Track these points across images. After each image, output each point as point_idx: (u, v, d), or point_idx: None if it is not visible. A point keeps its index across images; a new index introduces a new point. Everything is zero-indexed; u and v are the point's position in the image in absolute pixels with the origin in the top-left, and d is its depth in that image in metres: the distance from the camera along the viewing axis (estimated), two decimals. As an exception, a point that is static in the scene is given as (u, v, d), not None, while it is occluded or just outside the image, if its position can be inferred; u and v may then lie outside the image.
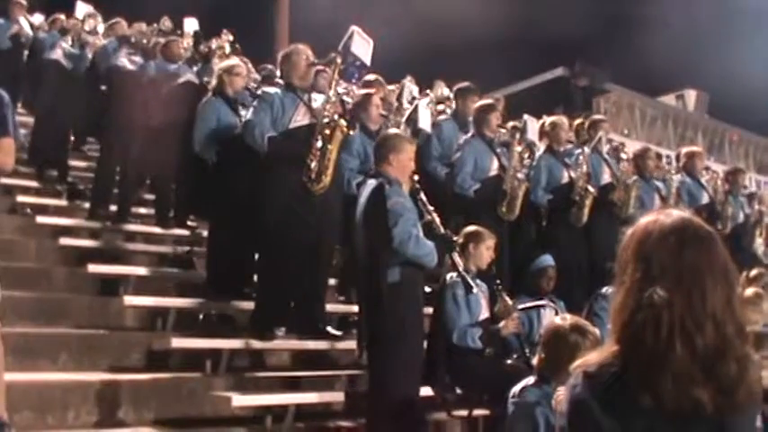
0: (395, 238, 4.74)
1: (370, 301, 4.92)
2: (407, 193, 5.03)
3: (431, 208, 5.13)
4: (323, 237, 5.87)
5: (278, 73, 6.70)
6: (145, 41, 8.67)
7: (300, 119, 5.89)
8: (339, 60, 6.01)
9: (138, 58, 8.47)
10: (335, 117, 5.76)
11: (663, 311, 1.71)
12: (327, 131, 5.71)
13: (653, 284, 1.75)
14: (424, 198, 5.13)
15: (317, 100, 6.03)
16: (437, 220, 5.10)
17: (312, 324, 5.96)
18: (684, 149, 9.59)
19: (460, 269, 5.24)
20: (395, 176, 4.95)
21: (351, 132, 5.89)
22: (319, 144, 5.70)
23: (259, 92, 6.33)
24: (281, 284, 5.76)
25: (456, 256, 5.26)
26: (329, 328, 6.08)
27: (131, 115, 7.92)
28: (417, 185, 5.13)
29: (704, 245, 1.80)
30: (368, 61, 6.85)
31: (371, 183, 4.98)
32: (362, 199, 5.00)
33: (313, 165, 5.68)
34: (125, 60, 8.34)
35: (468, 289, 5.26)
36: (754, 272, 7.18)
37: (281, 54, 6.26)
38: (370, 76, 7.39)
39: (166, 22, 8.74)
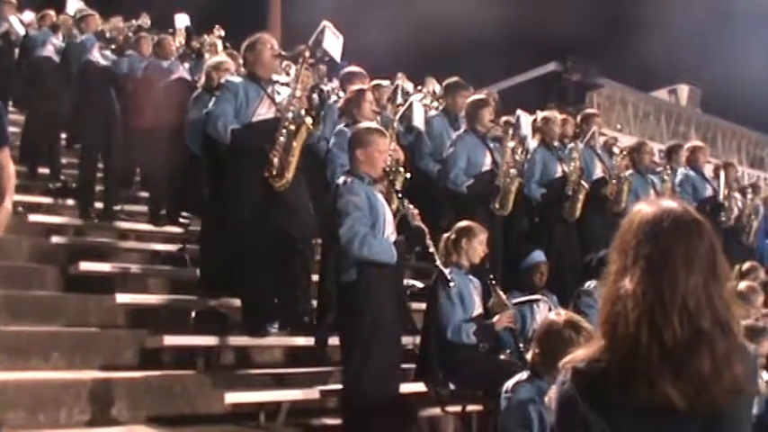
0: (341, 237, 4.64)
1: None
2: (378, 187, 4.91)
3: (406, 201, 5.05)
4: (292, 232, 5.77)
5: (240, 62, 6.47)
6: (121, 37, 8.57)
7: (265, 112, 5.73)
8: (308, 54, 5.88)
9: (110, 53, 8.40)
10: (302, 113, 5.64)
11: (629, 303, 1.65)
12: (292, 127, 5.58)
13: (626, 275, 1.69)
14: (398, 189, 5.05)
15: (281, 93, 5.90)
16: (413, 212, 5.00)
17: (299, 319, 5.91)
18: (687, 144, 9.67)
19: (437, 262, 5.17)
20: (365, 171, 4.83)
21: (318, 131, 5.75)
22: (283, 139, 5.57)
23: (222, 80, 6.13)
24: (258, 281, 5.68)
25: (431, 249, 5.16)
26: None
27: (108, 111, 7.88)
28: (391, 178, 5.02)
29: (683, 232, 1.71)
30: (338, 57, 6.69)
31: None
32: None
33: (275, 160, 5.54)
34: (98, 56, 8.25)
35: (445, 282, 5.21)
36: (746, 265, 7.16)
37: (245, 43, 6.01)
38: (354, 68, 7.22)
39: (146, 19, 8.63)
